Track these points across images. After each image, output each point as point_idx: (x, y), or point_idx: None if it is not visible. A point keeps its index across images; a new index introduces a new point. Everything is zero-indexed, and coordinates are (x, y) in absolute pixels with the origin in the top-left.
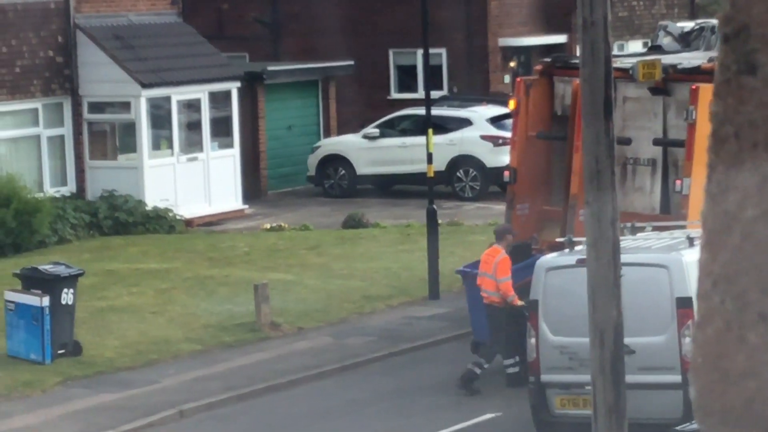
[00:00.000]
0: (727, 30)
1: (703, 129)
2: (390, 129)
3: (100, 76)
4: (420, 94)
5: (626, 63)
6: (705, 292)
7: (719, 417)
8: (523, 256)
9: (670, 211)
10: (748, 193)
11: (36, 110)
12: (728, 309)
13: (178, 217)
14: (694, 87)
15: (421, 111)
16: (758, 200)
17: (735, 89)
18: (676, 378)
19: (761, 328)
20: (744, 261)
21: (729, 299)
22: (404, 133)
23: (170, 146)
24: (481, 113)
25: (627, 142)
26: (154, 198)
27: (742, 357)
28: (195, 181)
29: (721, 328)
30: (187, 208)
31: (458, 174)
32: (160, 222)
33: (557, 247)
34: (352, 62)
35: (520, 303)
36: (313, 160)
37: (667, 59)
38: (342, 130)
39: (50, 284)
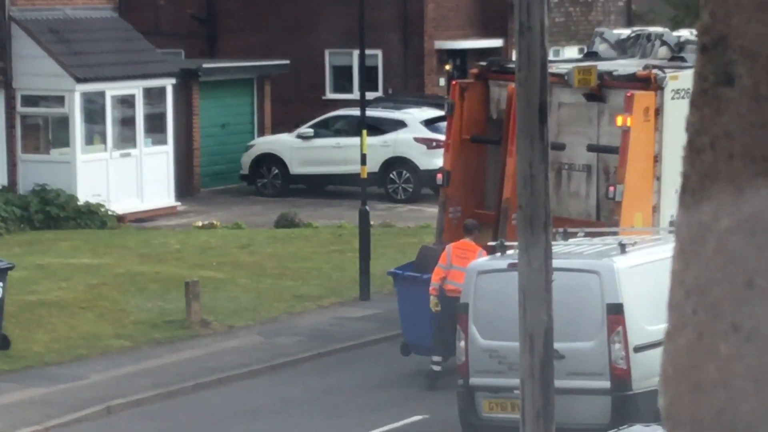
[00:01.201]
0: (705, 40)
1: (638, 136)
2: (324, 129)
3: (35, 69)
4: (355, 95)
5: (562, 68)
6: (677, 302)
7: (689, 427)
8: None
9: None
10: (723, 204)
11: None
12: (700, 319)
13: (110, 213)
14: (629, 94)
15: (355, 112)
16: (733, 211)
17: (712, 100)
18: (605, 384)
19: (733, 338)
20: (717, 271)
21: (701, 309)
22: (338, 133)
23: (103, 141)
24: (415, 115)
25: (561, 147)
26: (86, 193)
27: (714, 367)
28: (128, 176)
29: (693, 339)
30: (120, 204)
31: (391, 176)
32: (92, 217)
33: (489, 251)
34: (287, 62)
35: None
36: (246, 159)
37: (603, 66)
38: (276, 129)
39: None
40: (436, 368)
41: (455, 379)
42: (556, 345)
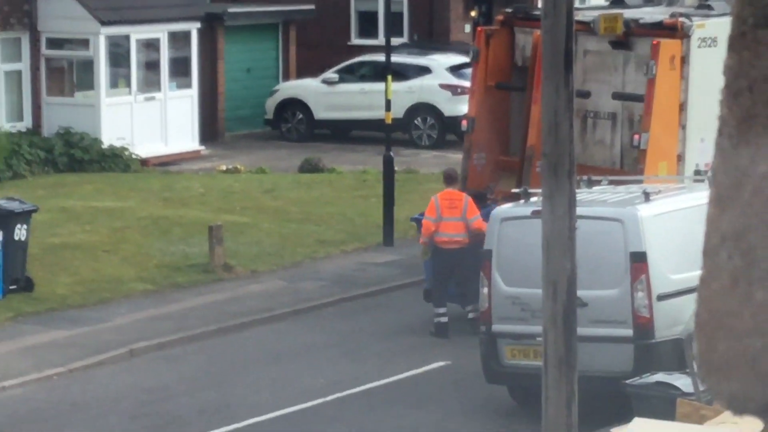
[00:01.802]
0: None
1: (663, 84)
2: (349, 74)
3: (60, 12)
4: (380, 40)
5: (588, 16)
6: (712, 247)
7: (723, 374)
8: (478, 205)
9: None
10: (761, 148)
11: None
12: (736, 265)
13: (134, 156)
14: (655, 42)
15: (380, 57)
16: None
17: (751, 43)
18: (628, 332)
19: None
20: (753, 217)
21: (737, 255)
22: (363, 78)
23: (128, 85)
24: (440, 62)
25: (587, 95)
26: (110, 136)
27: (748, 314)
28: (152, 120)
29: (727, 285)
30: (144, 148)
31: (416, 122)
32: (116, 160)
33: (512, 198)
34: (313, 6)
35: None
36: (271, 104)
37: (629, 13)
38: (301, 74)
39: (4, 219)
40: (443, 320)
41: (466, 326)
42: (579, 293)
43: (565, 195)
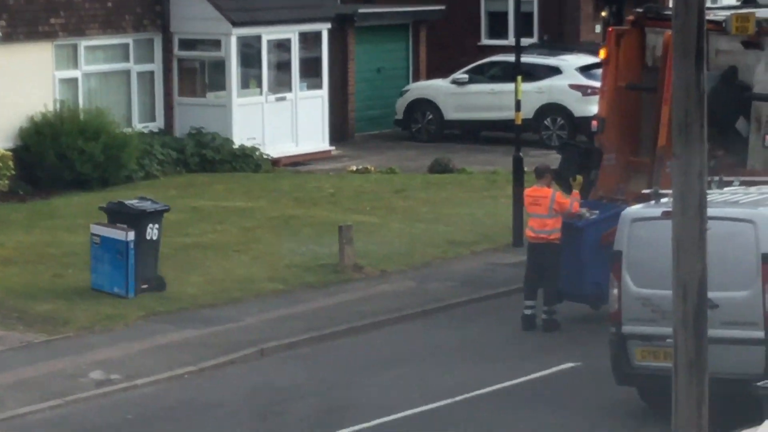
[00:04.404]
0: None
1: None
2: (479, 75)
3: (192, 13)
4: (510, 41)
5: (719, 15)
6: None
7: None
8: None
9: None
10: None
11: (127, 45)
12: None
13: (264, 156)
14: None
15: (510, 58)
16: None
17: None
18: (759, 334)
19: None
20: None
21: None
22: (493, 79)
23: (259, 85)
24: (570, 62)
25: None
26: (241, 136)
27: None
28: (283, 120)
29: None
30: (274, 148)
31: (546, 122)
32: (247, 160)
33: (643, 199)
34: (443, 7)
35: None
36: (401, 104)
37: (761, 13)
38: (431, 74)
39: (136, 219)
40: (526, 312)
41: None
42: (710, 294)
43: (695, 195)
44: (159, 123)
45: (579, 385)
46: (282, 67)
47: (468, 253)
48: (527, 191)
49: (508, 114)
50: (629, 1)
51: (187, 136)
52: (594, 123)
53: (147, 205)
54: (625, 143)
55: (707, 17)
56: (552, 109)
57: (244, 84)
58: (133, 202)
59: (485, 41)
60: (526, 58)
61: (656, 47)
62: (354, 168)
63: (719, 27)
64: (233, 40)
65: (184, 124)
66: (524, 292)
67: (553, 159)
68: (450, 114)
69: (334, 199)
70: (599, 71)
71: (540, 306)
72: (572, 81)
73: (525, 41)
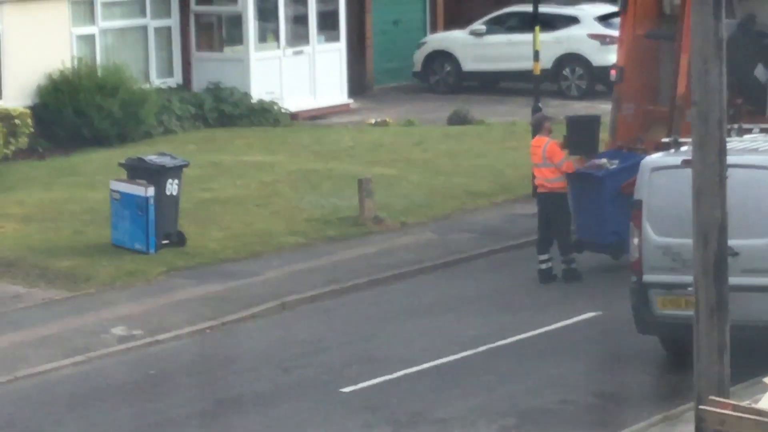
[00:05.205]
0: None
1: None
2: (497, 26)
3: None
4: None
5: None
6: None
7: None
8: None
9: None
10: None
11: (143, 1)
12: None
13: (283, 111)
14: None
15: (528, 8)
16: None
17: None
18: None
19: None
20: None
21: None
22: (511, 30)
23: (276, 39)
24: (588, 11)
25: None
26: (259, 91)
27: None
28: (301, 74)
29: None
30: (293, 102)
31: (564, 72)
32: (265, 115)
33: (663, 148)
34: None
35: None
36: (419, 56)
37: None
38: (448, 26)
39: (155, 175)
40: (542, 266)
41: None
42: (730, 242)
43: (715, 144)
44: (177, 78)
45: (601, 335)
46: (299, 21)
47: (488, 205)
48: (531, 142)
49: (527, 64)
50: None
51: (205, 91)
52: (612, 72)
53: (166, 161)
54: (645, 92)
55: None
56: (571, 59)
57: (262, 38)
58: (152, 158)
59: None
60: (544, 8)
61: None
62: (373, 121)
63: None
64: None
65: (202, 79)
66: (536, 247)
67: (571, 109)
68: (468, 65)
69: (354, 152)
70: (618, 20)
71: (557, 257)
72: (590, 30)
73: None
